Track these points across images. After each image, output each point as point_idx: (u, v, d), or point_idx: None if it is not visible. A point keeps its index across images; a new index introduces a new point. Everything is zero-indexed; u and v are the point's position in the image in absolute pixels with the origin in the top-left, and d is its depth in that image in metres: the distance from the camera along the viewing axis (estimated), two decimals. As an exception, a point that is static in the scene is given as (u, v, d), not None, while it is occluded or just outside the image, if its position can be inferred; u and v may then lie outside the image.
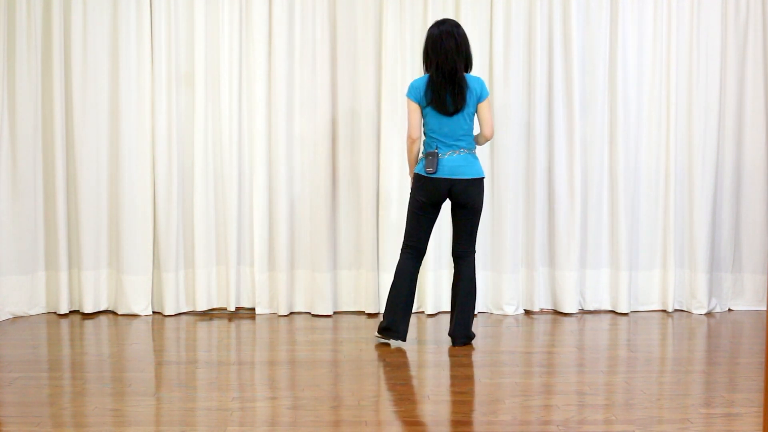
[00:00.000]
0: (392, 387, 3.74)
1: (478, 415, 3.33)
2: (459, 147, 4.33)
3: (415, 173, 4.37)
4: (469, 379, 3.87)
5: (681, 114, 5.29)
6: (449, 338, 4.48)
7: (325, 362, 4.14)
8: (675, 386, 3.76)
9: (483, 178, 4.40)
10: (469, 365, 4.10)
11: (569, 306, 5.26)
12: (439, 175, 4.29)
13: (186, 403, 3.47)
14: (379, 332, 4.47)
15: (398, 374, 3.94)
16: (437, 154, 4.29)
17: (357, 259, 5.26)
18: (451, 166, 4.31)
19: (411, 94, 4.34)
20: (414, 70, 5.20)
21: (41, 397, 3.55)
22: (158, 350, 4.50)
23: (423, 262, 5.22)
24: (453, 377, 3.90)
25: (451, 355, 4.32)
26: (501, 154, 5.22)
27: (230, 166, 5.17)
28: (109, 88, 5.16)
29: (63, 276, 5.13)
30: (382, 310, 5.23)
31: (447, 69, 4.28)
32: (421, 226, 4.40)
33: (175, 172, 5.17)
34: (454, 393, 3.65)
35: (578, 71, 5.21)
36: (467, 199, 4.35)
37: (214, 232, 5.24)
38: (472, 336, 4.49)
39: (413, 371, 4.01)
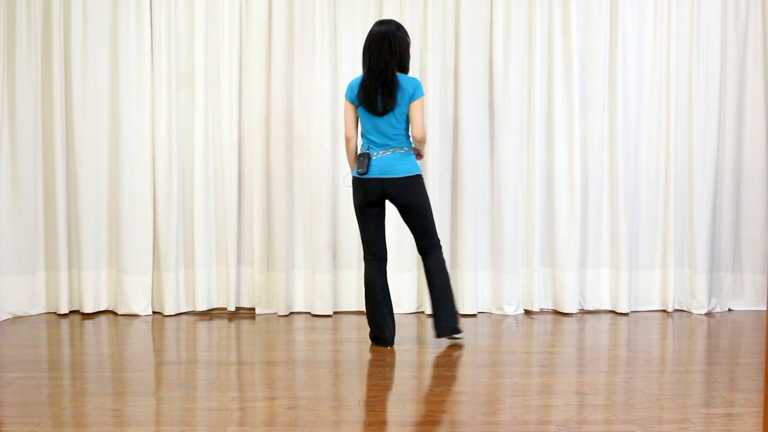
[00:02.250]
0: (392, 387, 3.74)
1: (478, 415, 3.33)
2: (390, 146, 4.32)
3: (352, 176, 4.40)
4: (469, 379, 3.87)
5: (681, 114, 5.29)
6: (437, 336, 4.43)
7: (325, 362, 4.14)
8: (675, 386, 3.76)
9: (417, 175, 4.35)
10: (469, 365, 4.10)
11: (569, 306, 5.26)
12: (370, 175, 4.30)
13: (186, 403, 3.47)
14: (372, 341, 4.52)
15: (398, 374, 3.94)
16: (368, 155, 4.32)
17: (357, 259, 5.26)
18: (381, 165, 4.30)
19: (347, 94, 4.38)
20: (414, 69, 5.20)
21: (41, 397, 3.55)
22: (158, 350, 4.50)
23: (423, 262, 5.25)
24: (453, 377, 3.90)
25: (451, 355, 4.32)
26: (501, 154, 5.22)
27: (230, 166, 5.17)
28: (109, 88, 5.16)
29: (63, 276, 5.14)
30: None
31: (377, 69, 4.27)
32: (369, 230, 4.41)
33: (175, 172, 5.17)
34: (454, 393, 3.65)
35: (578, 71, 5.21)
36: (403, 198, 4.33)
37: (214, 232, 5.24)
38: (459, 329, 4.44)
39: (413, 371, 4.01)
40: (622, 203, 5.25)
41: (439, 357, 4.27)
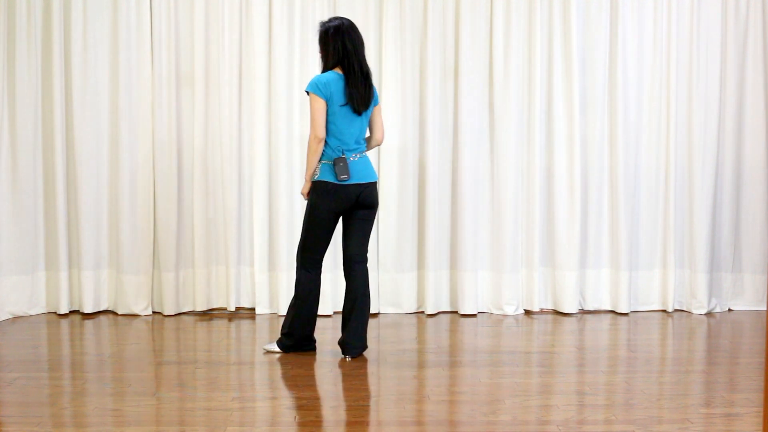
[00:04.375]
0: (392, 387, 3.74)
1: (478, 415, 3.33)
2: (359, 150, 4.12)
3: (322, 182, 4.05)
4: (469, 379, 3.87)
5: (681, 114, 5.29)
6: (346, 354, 4.19)
7: (325, 362, 4.14)
8: (675, 386, 3.76)
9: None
10: (470, 365, 4.09)
11: (569, 306, 5.26)
12: (351, 181, 4.05)
13: (186, 403, 3.47)
14: (288, 348, 4.25)
15: (398, 374, 3.94)
16: (346, 159, 4.04)
17: (357, 259, 5.26)
18: (359, 170, 4.08)
19: (319, 90, 4.00)
20: (414, 69, 5.20)
21: (41, 397, 3.55)
22: (158, 350, 4.49)
23: (423, 262, 5.26)
24: (453, 377, 3.90)
25: (450, 355, 4.32)
26: (501, 153, 5.22)
27: (230, 166, 5.17)
28: (109, 88, 5.16)
29: (63, 276, 5.14)
30: (382, 310, 5.25)
31: (360, 64, 4.07)
32: (327, 238, 4.14)
33: (175, 172, 5.17)
34: (454, 393, 3.65)
35: (578, 71, 5.21)
36: (372, 201, 4.15)
37: (214, 232, 5.24)
38: (365, 346, 4.24)
39: (413, 371, 4.01)
40: (622, 203, 5.25)
41: (438, 357, 4.27)
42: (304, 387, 3.73)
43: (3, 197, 5.06)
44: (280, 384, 3.80)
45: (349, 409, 3.42)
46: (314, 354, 4.27)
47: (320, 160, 4.07)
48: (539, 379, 3.86)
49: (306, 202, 4.27)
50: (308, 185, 4.11)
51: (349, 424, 3.24)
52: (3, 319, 5.03)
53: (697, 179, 5.28)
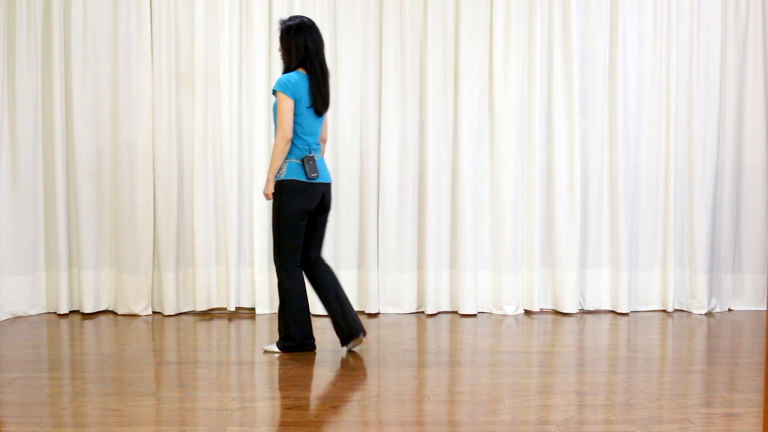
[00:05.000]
0: (392, 387, 3.74)
1: (478, 415, 3.33)
2: (319, 150, 4.18)
3: (290, 180, 4.06)
4: (469, 379, 3.87)
5: (681, 114, 5.29)
6: (345, 342, 4.25)
7: (325, 362, 4.14)
8: (675, 386, 3.76)
9: None
10: (470, 365, 4.09)
11: (569, 306, 5.26)
12: (319, 179, 4.11)
13: (186, 403, 3.47)
14: (288, 349, 4.25)
15: (398, 374, 3.94)
16: (314, 157, 4.09)
17: (357, 259, 5.26)
18: (322, 169, 4.15)
19: (288, 90, 4.02)
20: (414, 69, 5.20)
21: (41, 397, 3.55)
22: (158, 350, 4.49)
23: (423, 262, 5.25)
24: (453, 377, 3.90)
25: (450, 355, 4.32)
26: (501, 153, 5.22)
27: (230, 166, 5.17)
28: (109, 88, 5.16)
29: (63, 276, 5.13)
30: (382, 310, 5.25)
31: (321, 64, 4.13)
32: (301, 236, 4.14)
33: (175, 172, 5.17)
34: (454, 393, 3.65)
35: (578, 71, 5.21)
36: (329, 202, 4.25)
37: (214, 232, 5.24)
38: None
39: (413, 371, 4.01)
40: (622, 203, 5.25)
41: (438, 357, 4.27)
42: (304, 387, 3.73)
43: (3, 197, 5.06)
44: (280, 384, 3.80)
45: (349, 409, 3.42)
46: (314, 354, 4.27)
47: (286, 159, 4.09)
48: (539, 379, 3.86)
49: (270, 204, 4.26)
50: (272, 185, 4.10)
51: (349, 424, 3.24)
52: (3, 319, 5.03)
53: (697, 179, 5.28)
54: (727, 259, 5.40)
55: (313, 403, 3.49)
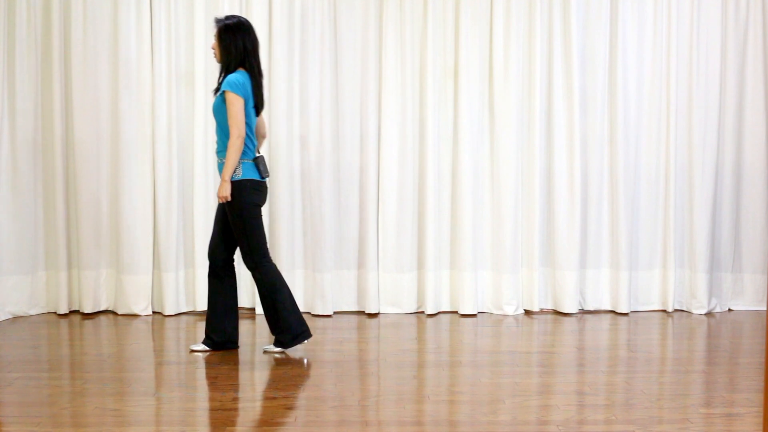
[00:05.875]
0: (392, 387, 3.74)
1: (478, 415, 3.33)
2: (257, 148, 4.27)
3: (248, 180, 4.12)
4: (469, 379, 3.87)
5: (681, 114, 5.29)
6: (216, 346, 4.30)
7: (325, 362, 4.14)
8: (675, 386, 3.76)
9: None
10: (470, 365, 4.10)
11: (569, 306, 5.26)
12: (267, 177, 4.24)
13: (186, 403, 3.47)
14: (290, 343, 4.25)
15: (398, 374, 3.94)
16: (263, 157, 4.22)
17: (357, 259, 5.26)
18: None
19: (238, 90, 4.06)
20: (414, 69, 5.20)
21: (41, 397, 3.55)
22: (158, 350, 4.50)
23: (423, 262, 5.26)
24: (453, 377, 3.90)
25: (450, 355, 4.32)
26: (501, 153, 5.22)
27: (230, 166, 5.16)
28: (109, 88, 5.16)
29: (63, 276, 5.13)
30: (382, 310, 5.25)
31: (258, 65, 4.20)
32: (263, 230, 4.22)
33: (175, 172, 5.17)
34: (454, 393, 3.65)
35: (578, 71, 5.21)
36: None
37: (214, 232, 5.23)
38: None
39: (413, 371, 4.01)
40: (622, 203, 5.25)
41: (438, 357, 4.27)
42: (304, 387, 3.73)
43: (3, 197, 5.06)
44: (280, 384, 3.80)
45: (349, 409, 3.42)
46: (314, 354, 4.27)
47: (240, 160, 4.12)
48: (539, 379, 3.86)
49: (221, 204, 4.24)
50: (229, 186, 4.09)
51: (349, 424, 3.24)
52: (3, 319, 5.03)
53: (697, 179, 5.28)
54: (727, 259, 5.40)
55: (313, 403, 3.49)
